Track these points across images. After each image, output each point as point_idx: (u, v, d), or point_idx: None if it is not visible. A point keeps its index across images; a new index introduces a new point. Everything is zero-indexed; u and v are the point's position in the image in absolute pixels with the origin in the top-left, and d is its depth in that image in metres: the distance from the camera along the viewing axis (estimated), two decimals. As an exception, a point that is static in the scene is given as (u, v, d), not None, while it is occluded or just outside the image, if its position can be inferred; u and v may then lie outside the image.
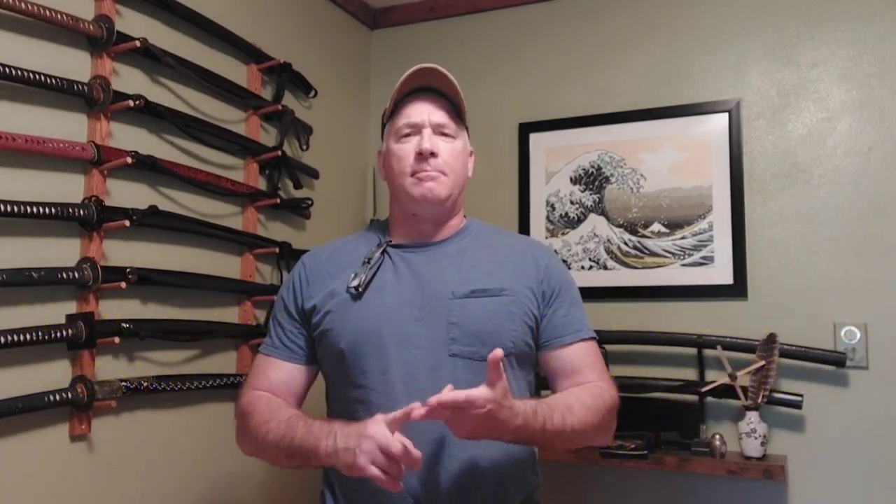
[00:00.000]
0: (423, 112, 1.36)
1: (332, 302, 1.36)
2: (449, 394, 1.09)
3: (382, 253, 1.39)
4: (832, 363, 2.12)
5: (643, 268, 2.38)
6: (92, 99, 1.65)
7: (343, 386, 1.35)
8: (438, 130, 1.36)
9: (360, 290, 1.34)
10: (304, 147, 2.36)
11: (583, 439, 1.30)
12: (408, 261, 1.38)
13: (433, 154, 1.34)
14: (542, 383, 1.47)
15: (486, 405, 1.09)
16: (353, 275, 1.36)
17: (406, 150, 1.36)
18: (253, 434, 1.31)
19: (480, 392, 1.09)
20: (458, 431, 1.14)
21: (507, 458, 1.31)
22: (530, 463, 1.38)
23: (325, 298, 1.37)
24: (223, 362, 2.06)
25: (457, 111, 1.40)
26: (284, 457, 1.27)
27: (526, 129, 2.59)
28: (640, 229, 2.40)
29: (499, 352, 1.09)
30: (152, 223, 1.79)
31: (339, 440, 1.15)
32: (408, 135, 1.37)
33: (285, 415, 1.29)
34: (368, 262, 1.37)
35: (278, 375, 1.40)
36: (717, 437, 2.08)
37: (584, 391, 1.32)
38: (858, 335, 2.13)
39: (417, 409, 1.09)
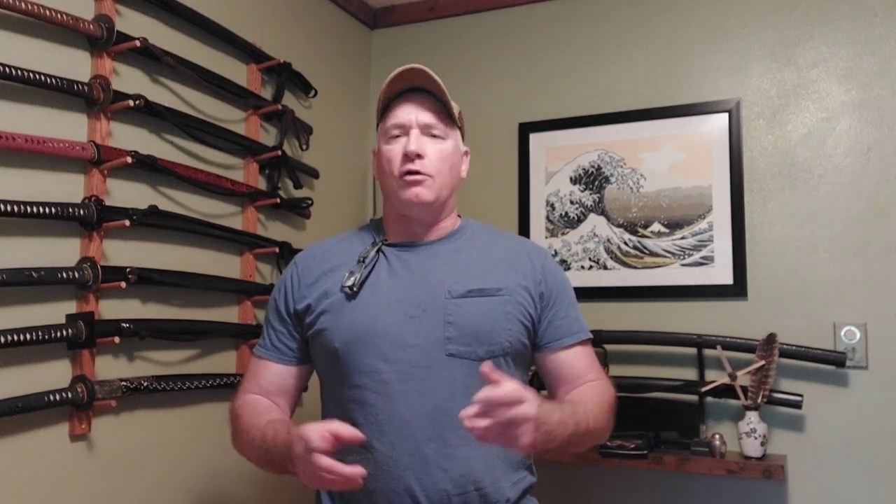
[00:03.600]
0: (410, 112, 1.36)
1: (327, 302, 1.35)
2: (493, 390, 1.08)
3: (377, 252, 1.39)
4: (832, 363, 2.11)
5: (643, 268, 2.38)
6: (92, 99, 1.65)
7: (338, 385, 1.35)
8: (426, 131, 1.36)
9: (355, 289, 1.33)
10: (304, 147, 2.36)
11: (597, 437, 1.33)
12: (403, 259, 1.38)
13: (419, 155, 1.34)
14: (539, 384, 1.48)
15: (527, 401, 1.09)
16: (347, 274, 1.35)
17: (394, 151, 1.36)
18: (241, 439, 1.35)
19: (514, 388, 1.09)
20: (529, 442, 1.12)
21: (502, 457, 1.32)
22: (525, 462, 1.39)
23: (319, 298, 1.37)
24: (223, 362, 2.06)
25: (447, 112, 1.39)
26: (266, 464, 1.30)
27: (526, 129, 2.59)
28: (639, 229, 2.40)
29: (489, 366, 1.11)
30: (152, 223, 1.79)
31: (295, 462, 1.17)
32: (396, 136, 1.37)
33: (263, 421, 1.31)
34: (363, 262, 1.37)
35: (269, 378, 1.42)
36: (717, 436, 2.08)
37: (591, 390, 1.36)
38: (858, 335, 2.13)
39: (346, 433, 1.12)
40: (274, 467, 1.28)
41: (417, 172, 1.34)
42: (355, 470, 1.11)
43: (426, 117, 1.36)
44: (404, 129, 1.36)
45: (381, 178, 1.41)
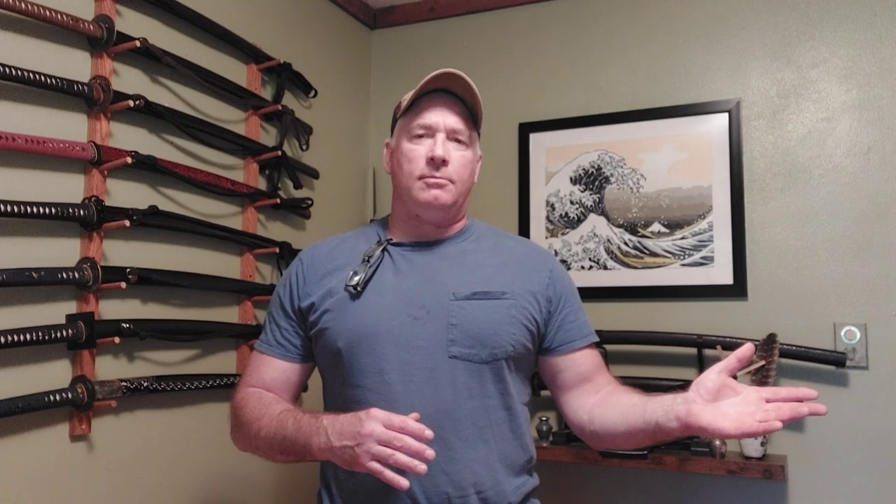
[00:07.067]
0: (439, 115, 1.34)
1: (331, 300, 1.35)
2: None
3: (383, 251, 1.38)
4: (832, 363, 2.12)
5: (643, 268, 2.38)
6: (92, 99, 1.65)
7: (340, 385, 1.35)
8: (452, 136, 1.35)
9: (359, 288, 1.33)
10: (304, 147, 2.36)
11: None
12: (408, 259, 1.38)
13: (444, 162, 1.33)
14: (540, 386, 1.48)
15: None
16: (352, 273, 1.35)
17: (417, 151, 1.34)
18: (245, 430, 1.33)
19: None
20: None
21: (503, 460, 1.32)
22: (527, 465, 1.39)
23: (323, 297, 1.36)
24: (223, 362, 2.06)
25: (472, 118, 1.39)
26: (278, 453, 1.28)
27: (526, 129, 2.59)
28: (640, 229, 2.40)
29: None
30: (152, 223, 1.79)
31: (333, 438, 1.15)
32: (420, 136, 1.35)
33: (276, 410, 1.30)
34: (368, 261, 1.36)
35: (272, 373, 1.41)
36: (717, 437, 2.08)
37: (631, 392, 1.38)
38: (858, 335, 2.13)
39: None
40: (287, 455, 1.26)
41: (440, 177, 1.33)
42: (426, 433, 1.11)
43: (454, 122, 1.35)
44: (430, 131, 1.34)
45: (397, 175, 1.39)
